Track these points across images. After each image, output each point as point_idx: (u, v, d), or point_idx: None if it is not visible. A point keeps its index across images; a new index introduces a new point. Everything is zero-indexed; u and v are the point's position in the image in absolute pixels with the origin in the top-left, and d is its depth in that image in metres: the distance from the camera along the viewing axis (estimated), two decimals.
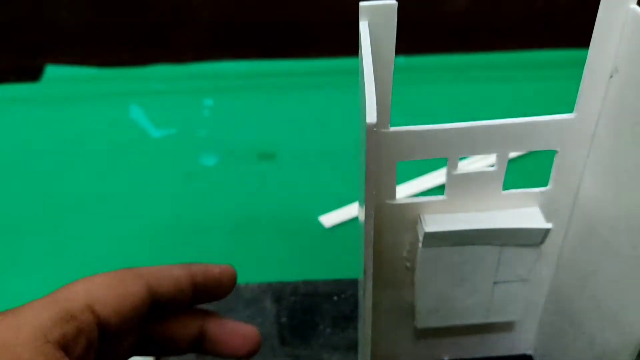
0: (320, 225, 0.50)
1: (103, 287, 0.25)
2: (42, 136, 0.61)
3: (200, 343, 0.30)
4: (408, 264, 0.31)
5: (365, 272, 0.22)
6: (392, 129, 0.27)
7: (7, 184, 0.55)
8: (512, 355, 0.38)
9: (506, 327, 0.36)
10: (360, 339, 0.26)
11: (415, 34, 0.58)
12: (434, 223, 0.29)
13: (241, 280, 0.45)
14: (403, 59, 0.67)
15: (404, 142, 0.27)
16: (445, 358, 0.38)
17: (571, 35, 0.70)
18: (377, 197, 0.28)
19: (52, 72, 0.70)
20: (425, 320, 0.33)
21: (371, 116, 0.19)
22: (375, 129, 0.19)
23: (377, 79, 0.22)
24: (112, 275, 0.26)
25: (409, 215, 0.30)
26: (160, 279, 0.27)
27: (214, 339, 0.30)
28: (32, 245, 0.49)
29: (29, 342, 0.22)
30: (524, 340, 0.37)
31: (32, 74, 0.73)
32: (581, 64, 0.27)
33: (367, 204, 0.21)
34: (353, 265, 0.46)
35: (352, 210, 0.50)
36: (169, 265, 0.28)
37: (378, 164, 0.27)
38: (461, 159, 0.28)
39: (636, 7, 0.24)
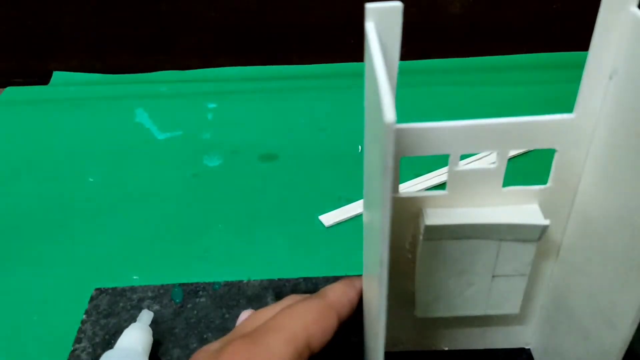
0: (320, 224, 0.50)
1: (314, 324, 0.29)
2: (49, 138, 0.62)
3: None
4: (410, 255, 0.32)
5: (381, 263, 0.23)
6: (397, 125, 0.27)
7: (15, 184, 0.56)
8: (510, 348, 0.38)
9: (505, 320, 0.37)
10: (374, 327, 0.26)
11: (414, 38, 0.59)
12: (435, 216, 0.30)
13: (243, 276, 0.45)
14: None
15: (408, 139, 0.28)
16: (445, 348, 0.38)
17: (568, 39, 0.71)
18: None
19: (60, 77, 0.71)
20: (426, 310, 0.34)
21: (389, 114, 0.19)
22: (394, 127, 0.20)
23: None
24: (317, 310, 0.30)
25: (412, 208, 0.30)
26: (343, 305, 0.31)
27: None
28: (39, 246, 0.49)
29: None
30: (522, 334, 0.38)
31: (40, 77, 0.74)
32: (578, 67, 0.27)
33: (384, 198, 0.21)
34: (352, 262, 0.46)
35: (351, 210, 0.51)
36: (344, 287, 0.32)
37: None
38: (463, 157, 0.29)
39: (636, 10, 0.25)
